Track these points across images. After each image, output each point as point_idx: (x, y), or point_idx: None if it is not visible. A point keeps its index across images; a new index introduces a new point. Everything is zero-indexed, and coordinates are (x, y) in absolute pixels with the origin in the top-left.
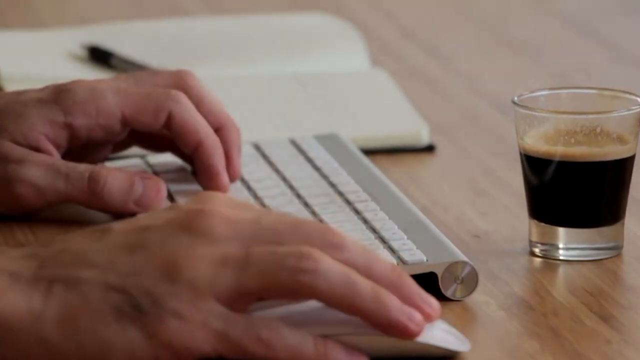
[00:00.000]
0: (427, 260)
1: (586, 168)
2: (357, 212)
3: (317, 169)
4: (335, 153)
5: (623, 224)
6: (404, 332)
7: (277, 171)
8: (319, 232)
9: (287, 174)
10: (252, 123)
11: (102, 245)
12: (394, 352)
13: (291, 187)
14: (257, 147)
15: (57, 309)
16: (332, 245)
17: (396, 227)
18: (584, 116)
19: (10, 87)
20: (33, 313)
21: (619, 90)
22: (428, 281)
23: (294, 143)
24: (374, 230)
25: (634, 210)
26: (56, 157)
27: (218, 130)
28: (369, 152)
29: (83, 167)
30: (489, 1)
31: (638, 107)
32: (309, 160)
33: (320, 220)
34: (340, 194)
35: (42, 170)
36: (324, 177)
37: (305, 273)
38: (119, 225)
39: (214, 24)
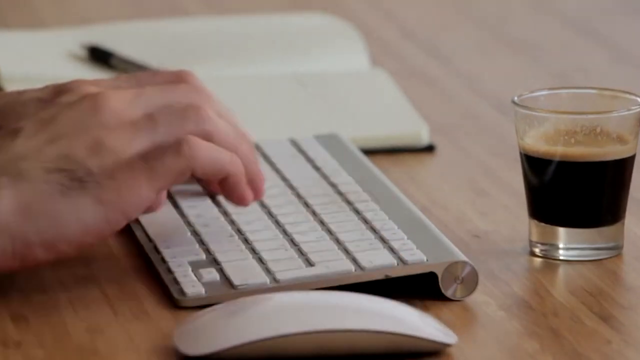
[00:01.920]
0: (427, 260)
1: (586, 168)
2: (357, 212)
3: (317, 169)
4: (335, 153)
5: (623, 224)
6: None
7: (277, 171)
8: (196, 90)
9: (287, 174)
10: (252, 123)
11: (22, 140)
12: (387, 348)
13: (291, 187)
14: (257, 147)
15: (11, 199)
16: (210, 100)
17: (396, 227)
18: (584, 116)
19: (10, 87)
20: None
21: (619, 90)
22: (428, 281)
23: (294, 143)
24: (374, 230)
25: (634, 210)
26: None
27: None
28: (369, 152)
29: None
30: (489, 1)
31: (638, 107)
32: (309, 160)
33: (321, 221)
34: (340, 194)
35: None
36: (324, 177)
37: (207, 121)
38: (24, 123)
39: (214, 24)
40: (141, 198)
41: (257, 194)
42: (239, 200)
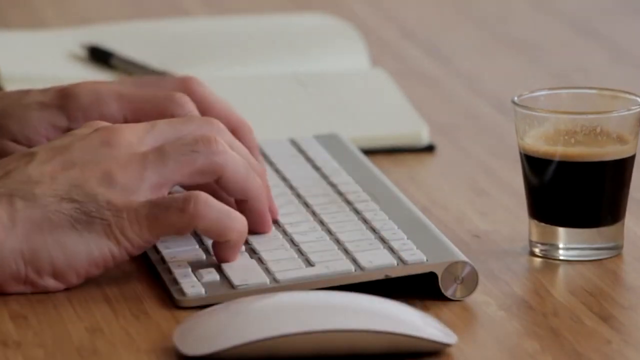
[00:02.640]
0: (427, 260)
1: (586, 168)
2: (357, 212)
3: (317, 169)
4: (335, 153)
5: (623, 224)
6: (264, 223)
7: (277, 171)
8: (207, 122)
9: (287, 174)
10: (252, 123)
11: (36, 165)
12: (387, 348)
13: (291, 187)
14: None
15: (26, 225)
16: (221, 132)
17: (396, 227)
18: (584, 116)
19: (10, 87)
20: (5, 230)
21: (619, 90)
22: (428, 281)
23: (294, 143)
24: (374, 230)
25: (634, 210)
26: None
27: (232, 132)
28: (369, 152)
29: None
30: (489, 1)
31: (638, 107)
32: (309, 160)
33: (320, 221)
34: (340, 194)
35: None
36: (324, 177)
37: (217, 154)
38: (39, 149)
39: (214, 24)
40: (143, 242)
41: (267, 227)
42: (224, 259)
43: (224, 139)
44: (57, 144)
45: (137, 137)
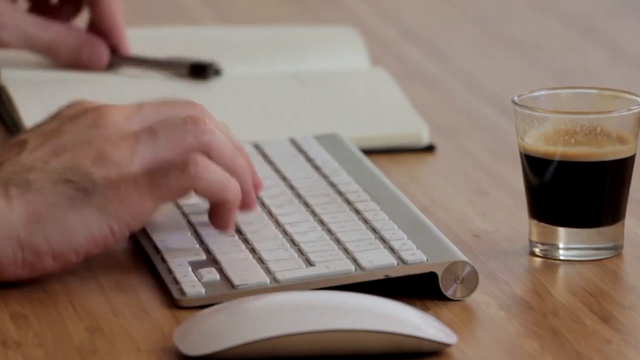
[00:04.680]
0: (427, 260)
1: (586, 168)
2: (357, 212)
3: (317, 169)
4: (335, 153)
5: (623, 224)
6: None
7: (277, 171)
8: (192, 105)
9: (287, 174)
10: (252, 123)
11: (28, 153)
12: (387, 348)
13: (291, 187)
14: (257, 147)
15: (21, 208)
16: (206, 114)
17: (396, 227)
18: (584, 116)
19: (12, 89)
20: (2, 216)
21: (619, 90)
22: (428, 281)
23: (294, 143)
24: (374, 230)
25: (634, 210)
26: None
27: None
28: (369, 152)
29: None
30: (489, 1)
31: (638, 107)
32: (309, 160)
33: (321, 221)
34: (340, 194)
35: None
36: (324, 177)
37: (205, 133)
38: (29, 135)
39: (217, 32)
40: (144, 211)
41: (253, 204)
42: (223, 227)
43: (210, 120)
44: (46, 128)
45: (125, 117)
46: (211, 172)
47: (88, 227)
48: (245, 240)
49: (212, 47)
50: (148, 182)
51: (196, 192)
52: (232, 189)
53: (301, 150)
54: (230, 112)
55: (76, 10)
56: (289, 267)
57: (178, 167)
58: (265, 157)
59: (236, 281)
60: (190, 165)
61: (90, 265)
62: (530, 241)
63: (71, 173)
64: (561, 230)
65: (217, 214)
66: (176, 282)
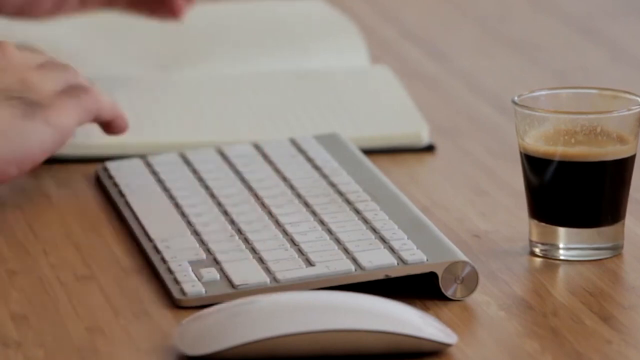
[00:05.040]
0: (427, 260)
1: (586, 168)
2: (357, 212)
3: (317, 169)
4: (335, 153)
5: (623, 224)
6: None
7: (277, 171)
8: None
9: (287, 174)
10: (252, 123)
11: None
12: (387, 348)
13: (291, 187)
14: (257, 147)
15: None
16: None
17: (396, 227)
18: (584, 116)
19: None
20: None
21: (619, 90)
22: (428, 281)
23: (294, 143)
24: (374, 231)
25: (634, 210)
26: None
27: None
28: (369, 152)
29: None
30: (489, 1)
31: (638, 107)
32: (309, 160)
33: (321, 221)
34: (340, 194)
35: None
36: (324, 177)
37: (78, 75)
38: None
39: (211, 13)
40: (72, 123)
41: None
42: (124, 129)
43: None
44: None
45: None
46: (105, 95)
47: (40, 137)
48: (245, 240)
49: (212, 45)
50: (71, 100)
51: (100, 112)
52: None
53: (301, 150)
54: (231, 112)
55: None
56: (289, 267)
57: (85, 90)
58: (265, 157)
59: (236, 281)
60: (92, 88)
61: (90, 266)
62: (530, 241)
63: (15, 92)
64: (561, 230)
65: (114, 125)
66: (176, 282)
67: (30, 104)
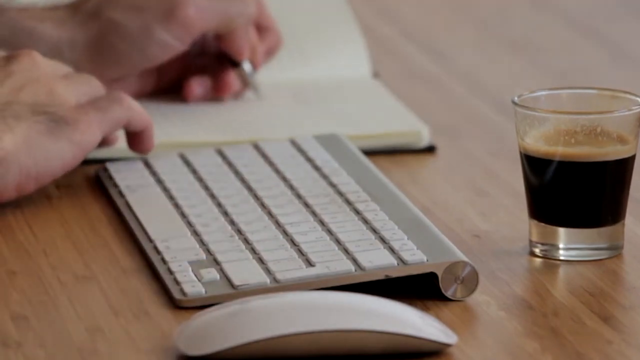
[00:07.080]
0: (427, 261)
1: (586, 168)
2: (357, 212)
3: (317, 169)
4: (335, 153)
5: (623, 224)
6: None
7: (277, 171)
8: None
9: (287, 174)
10: (253, 123)
11: None
12: (387, 348)
13: (291, 187)
14: (257, 147)
15: (16, 136)
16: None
17: (396, 227)
18: (584, 116)
19: None
20: (8, 145)
21: (619, 90)
22: (428, 281)
23: (294, 143)
24: (374, 231)
25: (634, 210)
26: None
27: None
28: (369, 153)
29: None
30: (489, 1)
31: (638, 107)
32: (309, 160)
33: (321, 221)
34: (340, 194)
35: None
36: (324, 177)
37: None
38: None
39: None
40: (95, 139)
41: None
42: (149, 148)
43: None
44: None
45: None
46: (137, 104)
47: (62, 154)
48: (245, 240)
49: None
50: (96, 113)
51: (129, 123)
52: (148, 117)
53: (301, 151)
54: (231, 112)
55: None
56: (289, 267)
57: (115, 100)
58: (265, 157)
59: (236, 281)
60: (124, 97)
61: (90, 266)
62: (530, 241)
63: (41, 106)
64: (561, 231)
65: (143, 139)
66: (176, 282)
67: (56, 121)
